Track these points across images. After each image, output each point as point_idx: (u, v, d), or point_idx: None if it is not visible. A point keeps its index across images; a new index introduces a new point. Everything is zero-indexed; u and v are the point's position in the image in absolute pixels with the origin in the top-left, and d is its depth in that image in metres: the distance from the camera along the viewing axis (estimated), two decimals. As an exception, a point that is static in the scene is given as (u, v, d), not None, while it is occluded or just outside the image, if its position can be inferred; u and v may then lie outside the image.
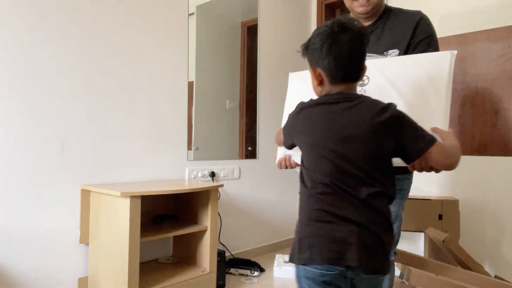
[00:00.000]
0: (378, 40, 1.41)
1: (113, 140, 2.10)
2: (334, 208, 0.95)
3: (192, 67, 2.55)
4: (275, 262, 2.64)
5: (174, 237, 2.40)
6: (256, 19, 3.00)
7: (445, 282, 1.57)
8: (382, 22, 1.43)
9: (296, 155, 1.26)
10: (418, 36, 1.36)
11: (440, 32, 2.46)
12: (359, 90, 1.20)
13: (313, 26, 3.54)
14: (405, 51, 1.36)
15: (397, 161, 1.01)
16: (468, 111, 2.35)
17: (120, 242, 1.77)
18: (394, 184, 1.01)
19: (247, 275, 2.49)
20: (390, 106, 0.98)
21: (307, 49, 1.06)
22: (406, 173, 1.37)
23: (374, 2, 1.39)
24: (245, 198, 2.84)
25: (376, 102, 0.99)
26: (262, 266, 2.62)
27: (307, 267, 0.96)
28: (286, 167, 1.32)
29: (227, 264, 2.53)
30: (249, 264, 2.55)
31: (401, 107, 1.01)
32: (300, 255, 0.97)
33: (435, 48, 1.38)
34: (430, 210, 2.12)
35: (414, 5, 2.58)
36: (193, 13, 2.56)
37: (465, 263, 1.84)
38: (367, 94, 1.16)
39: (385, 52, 1.38)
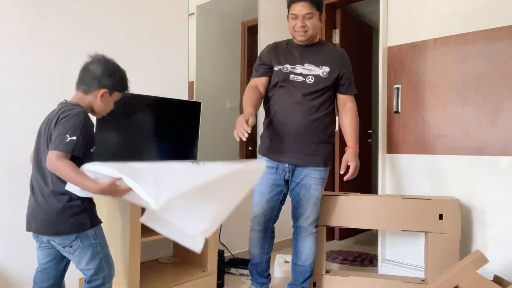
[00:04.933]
0: (315, 56, 1.92)
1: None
2: None
3: (192, 67, 2.55)
4: (275, 262, 2.64)
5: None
6: (256, 19, 3.00)
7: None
8: (317, 47, 1.95)
9: None
10: (344, 66, 1.94)
11: (440, 32, 2.46)
12: None
13: (313, 26, 3.54)
14: (333, 72, 1.90)
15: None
16: (468, 111, 2.35)
17: (121, 241, 1.77)
18: None
19: (247, 275, 2.49)
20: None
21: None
22: None
23: (309, 35, 1.88)
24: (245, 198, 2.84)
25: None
26: (263, 266, 2.62)
27: None
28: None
29: (227, 264, 2.54)
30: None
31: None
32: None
33: (351, 80, 1.98)
34: (431, 210, 2.12)
35: (415, 5, 2.58)
36: (193, 13, 2.56)
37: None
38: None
39: (320, 66, 1.89)
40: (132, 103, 1.99)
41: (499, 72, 2.25)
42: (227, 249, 2.67)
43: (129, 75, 2.19)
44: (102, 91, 1.41)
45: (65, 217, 1.32)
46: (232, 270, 2.52)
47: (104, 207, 1.87)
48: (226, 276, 2.41)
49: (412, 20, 2.58)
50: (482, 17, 2.30)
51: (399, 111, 2.63)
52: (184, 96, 2.49)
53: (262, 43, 3.04)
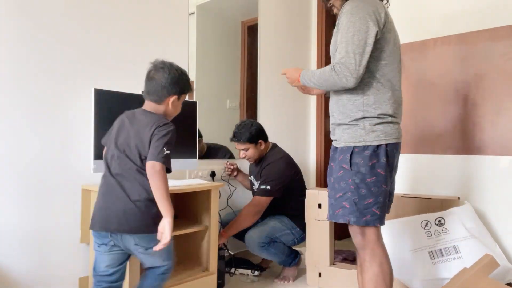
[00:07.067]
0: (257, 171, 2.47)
1: (114, 140, 2.10)
2: None
3: (192, 67, 2.55)
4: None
5: (175, 236, 2.39)
6: (256, 19, 3.00)
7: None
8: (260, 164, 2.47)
9: None
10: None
11: (441, 31, 2.46)
12: None
13: (313, 25, 3.54)
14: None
15: None
16: (469, 110, 2.35)
17: (121, 242, 1.77)
18: None
19: (247, 275, 2.49)
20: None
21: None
22: None
23: (253, 160, 2.47)
24: (245, 198, 2.84)
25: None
26: (262, 266, 2.62)
27: None
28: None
29: (227, 264, 2.53)
30: (249, 264, 2.55)
31: None
32: None
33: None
34: (431, 209, 2.12)
35: (415, 5, 2.58)
36: (193, 13, 2.56)
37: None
38: None
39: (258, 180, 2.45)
40: (131, 103, 1.99)
41: (499, 72, 2.25)
42: (227, 249, 2.66)
43: (129, 75, 2.20)
44: (173, 98, 1.47)
45: (157, 222, 1.35)
46: (232, 270, 2.52)
47: (104, 207, 1.87)
48: (226, 276, 2.41)
49: (412, 20, 2.58)
50: (482, 17, 2.31)
51: (399, 111, 2.63)
52: (184, 96, 2.49)
53: (262, 43, 3.04)
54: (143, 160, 1.38)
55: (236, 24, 2.88)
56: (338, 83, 1.40)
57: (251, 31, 2.98)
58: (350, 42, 1.36)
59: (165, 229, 1.32)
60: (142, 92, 1.50)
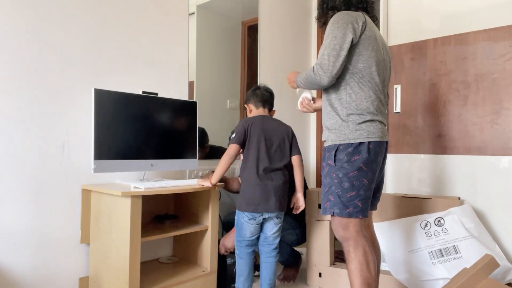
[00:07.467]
0: None
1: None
2: None
3: (192, 67, 2.55)
4: (276, 261, 2.63)
5: (175, 237, 2.40)
6: (256, 19, 3.00)
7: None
8: None
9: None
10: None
11: (440, 31, 2.46)
12: None
13: (313, 25, 3.54)
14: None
15: None
16: (469, 110, 2.35)
17: (121, 241, 1.77)
18: None
19: (247, 275, 2.48)
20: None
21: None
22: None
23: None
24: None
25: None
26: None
27: None
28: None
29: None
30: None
31: None
32: None
33: None
34: (431, 209, 2.12)
35: (415, 5, 2.58)
36: (193, 13, 2.56)
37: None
38: None
39: None
40: (131, 103, 1.99)
41: (499, 72, 2.25)
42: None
43: (129, 75, 2.20)
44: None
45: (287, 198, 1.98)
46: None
47: (104, 207, 1.88)
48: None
49: (412, 20, 2.58)
50: (482, 17, 2.31)
51: (399, 111, 2.63)
52: (184, 96, 2.49)
53: (262, 43, 3.04)
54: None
55: (236, 24, 2.88)
56: (316, 81, 1.58)
57: (251, 31, 2.98)
58: (327, 46, 1.55)
59: (300, 200, 2.01)
60: (260, 102, 2.07)
